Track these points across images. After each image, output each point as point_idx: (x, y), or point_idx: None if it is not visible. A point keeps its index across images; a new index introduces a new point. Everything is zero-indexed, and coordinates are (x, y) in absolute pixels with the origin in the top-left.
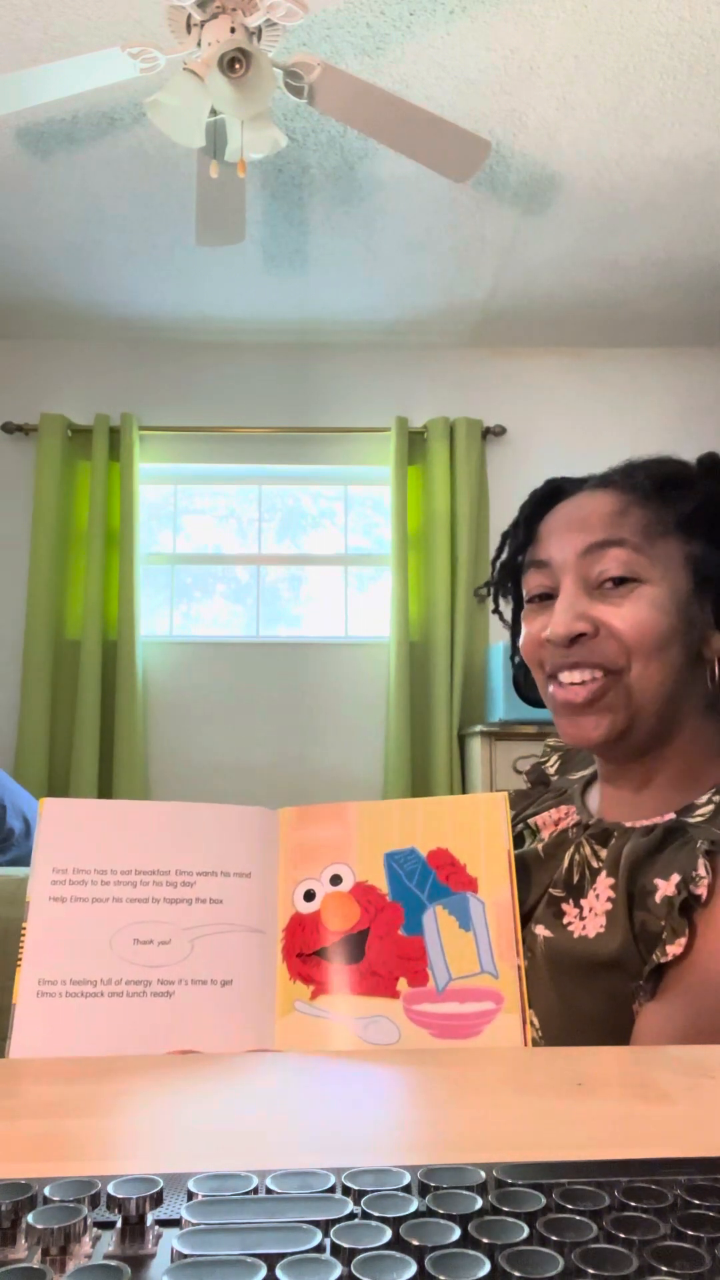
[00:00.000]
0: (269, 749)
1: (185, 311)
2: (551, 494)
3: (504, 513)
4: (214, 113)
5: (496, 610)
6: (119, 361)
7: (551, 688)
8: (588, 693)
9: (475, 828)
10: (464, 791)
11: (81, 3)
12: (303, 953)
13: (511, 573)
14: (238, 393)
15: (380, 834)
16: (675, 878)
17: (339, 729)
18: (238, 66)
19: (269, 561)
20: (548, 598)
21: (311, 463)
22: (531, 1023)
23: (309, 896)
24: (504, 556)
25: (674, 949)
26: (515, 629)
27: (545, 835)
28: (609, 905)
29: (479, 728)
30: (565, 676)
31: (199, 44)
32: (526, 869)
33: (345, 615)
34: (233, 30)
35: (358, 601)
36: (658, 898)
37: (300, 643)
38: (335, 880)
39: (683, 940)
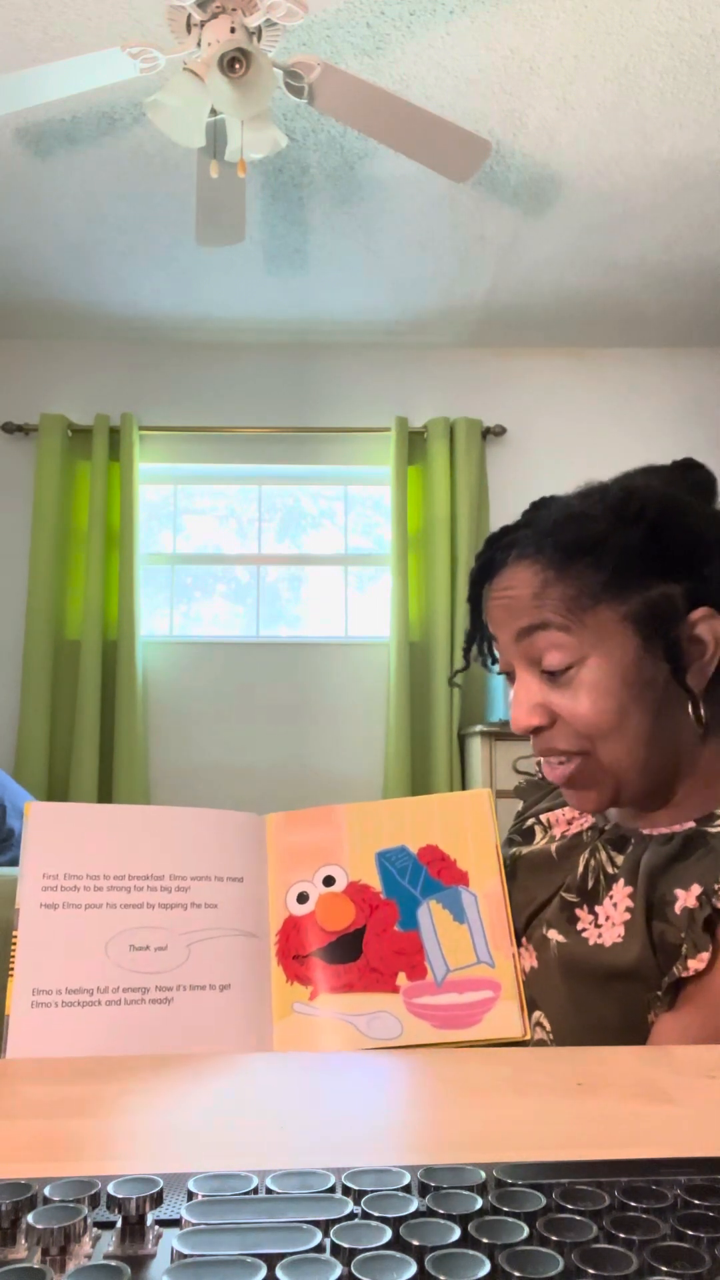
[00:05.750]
0: (269, 749)
1: (185, 311)
2: (487, 566)
3: (504, 513)
4: (214, 113)
5: (486, 667)
6: (119, 361)
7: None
8: (564, 774)
9: (463, 823)
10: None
11: (81, 3)
12: (299, 954)
13: (481, 638)
14: (238, 393)
15: (370, 834)
16: (696, 888)
17: (339, 729)
18: (238, 66)
19: (269, 561)
20: (514, 675)
21: (311, 463)
22: (542, 1024)
23: (302, 899)
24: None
25: (696, 964)
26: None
27: (558, 834)
28: (627, 915)
29: (479, 728)
30: (542, 758)
31: (199, 44)
32: (539, 869)
33: (345, 615)
34: (233, 30)
35: (358, 602)
36: (677, 909)
37: (300, 643)
38: (328, 881)
39: (705, 956)
